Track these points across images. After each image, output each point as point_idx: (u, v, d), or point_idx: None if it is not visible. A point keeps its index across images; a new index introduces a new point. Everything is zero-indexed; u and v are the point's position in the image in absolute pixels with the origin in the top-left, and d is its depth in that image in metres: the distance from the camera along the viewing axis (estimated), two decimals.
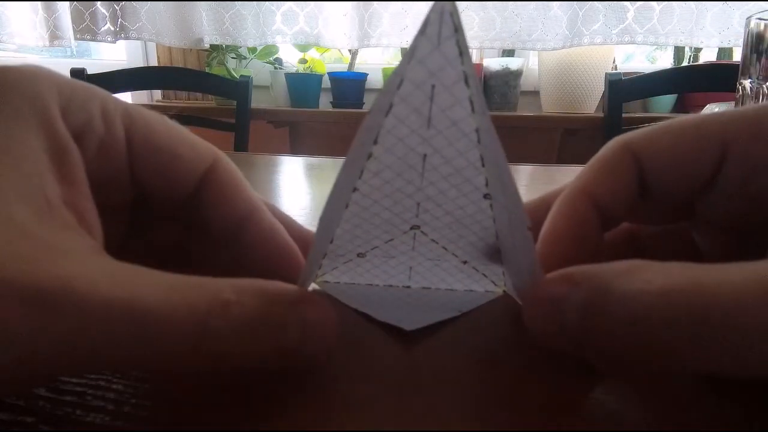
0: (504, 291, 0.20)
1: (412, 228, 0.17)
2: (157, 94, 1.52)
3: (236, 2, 1.23)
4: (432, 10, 0.10)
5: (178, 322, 0.10)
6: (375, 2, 1.16)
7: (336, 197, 0.13)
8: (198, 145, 0.16)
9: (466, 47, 0.11)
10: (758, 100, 0.33)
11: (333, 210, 0.13)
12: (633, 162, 0.14)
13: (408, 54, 0.11)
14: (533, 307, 0.12)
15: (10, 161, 0.10)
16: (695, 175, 0.14)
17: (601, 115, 1.11)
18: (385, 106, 0.12)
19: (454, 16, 0.10)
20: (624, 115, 1.04)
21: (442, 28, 0.10)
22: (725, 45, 1.08)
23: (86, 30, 1.30)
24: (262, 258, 0.16)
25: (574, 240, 0.15)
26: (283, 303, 0.11)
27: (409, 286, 0.20)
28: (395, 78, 0.12)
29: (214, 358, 0.10)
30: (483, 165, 0.14)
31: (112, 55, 1.58)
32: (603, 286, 0.10)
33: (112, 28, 1.29)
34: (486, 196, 0.13)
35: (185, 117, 1.15)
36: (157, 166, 0.15)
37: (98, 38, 1.30)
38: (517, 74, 1.24)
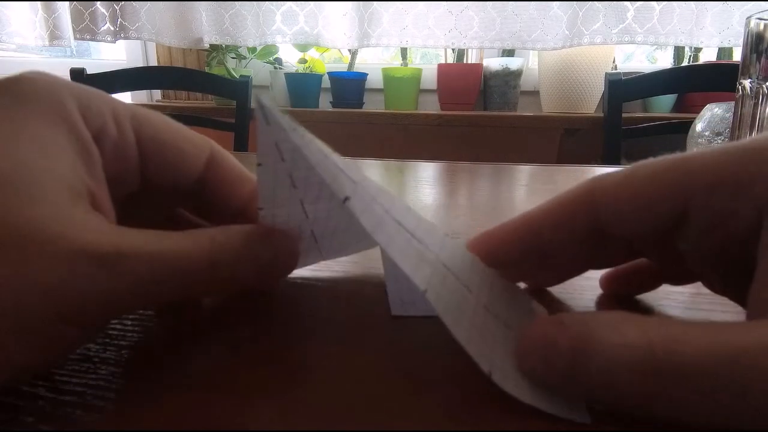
0: None
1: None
2: (157, 94, 1.52)
3: (236, 2, 1.23)
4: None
5: (194, 258, 0.13)
6: (375, 2, 1.16)
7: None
8: (196, 139, 0.17)
9: (292, 127, 0.13)
10: (758, 100, 0.33)
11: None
12: (589, 210, 0.15)
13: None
14: (524, 346, 0.13)
15: (48, 162, 0.12)
16: (656, 224, 0.14)
17: (601, 115, 1.10)
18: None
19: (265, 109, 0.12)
20: (624, 115, 1.04)
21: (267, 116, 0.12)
22: (725, 45, 1.08)
23: (86, 30, 1.30)
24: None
25: (499, 248, 0.17)
26: (258, 236, 0.15)
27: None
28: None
29: (223, 283, 0.14)
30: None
31: (112, 55, 1.58)
32: (587, 334, 0.11)
33: (112, 28, 1.29)
34: (345, 200, 0.13)
35: (185, 117, 1.15)
36: (165, 162, 0.16)
37: (98, 38, 1.30)
38: (517, 74, 1.24)
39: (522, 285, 0.19)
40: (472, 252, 0.17)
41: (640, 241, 0.15)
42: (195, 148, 0.17)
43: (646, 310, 0.18)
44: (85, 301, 0.11)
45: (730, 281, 0.15)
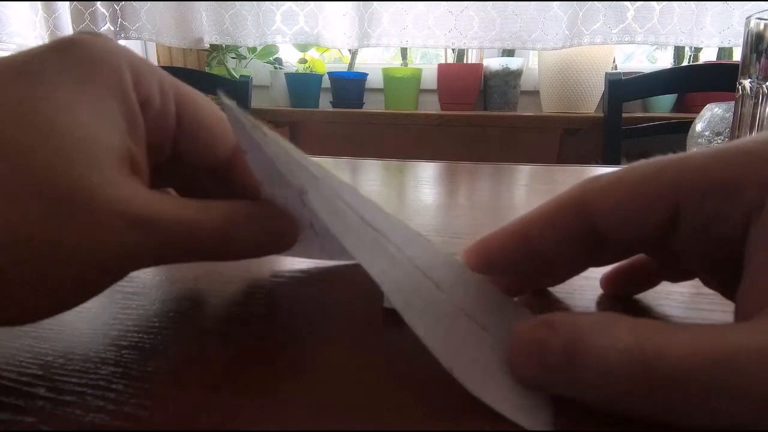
0: None
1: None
2: None
3: (236, 2, 1.23)
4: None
5: (208, 226, 0.14)
6: (375, 2, 1.16)
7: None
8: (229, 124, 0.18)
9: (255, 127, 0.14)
10: (758, 100, 0.33)
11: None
12: (582, 213, 0.15)
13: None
14: (517, 349, 0.13)
15: (101, 125, 0.13)
16: (648, 227, 0.14)
17: (601, 114, 1.11)
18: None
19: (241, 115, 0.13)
20: (624, 115, 1.04)
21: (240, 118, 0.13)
22: (725, 45, 1.08)
23: (86, 30, 1.30)
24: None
25: (495, 255, 0.17)
26: (262, 210, 0.16)
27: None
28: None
29: (235, 248, 0.16)
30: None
31: None
32: (577, 336, 0.11)
33: (112, 28, 1.29)
34: (301, 193, 0.14)
35: None
36: (197, 140, 0.17)
37: None
38: (517, 74, 1.24)
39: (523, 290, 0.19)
40: (468, 260, 0.17)
41: (635, 242, 0.15)
42: (227, 132, 0.18)
43: (646, 310, 0.18)
44: (119, 257, 0.13)
45: (726, 280, 0.15)
